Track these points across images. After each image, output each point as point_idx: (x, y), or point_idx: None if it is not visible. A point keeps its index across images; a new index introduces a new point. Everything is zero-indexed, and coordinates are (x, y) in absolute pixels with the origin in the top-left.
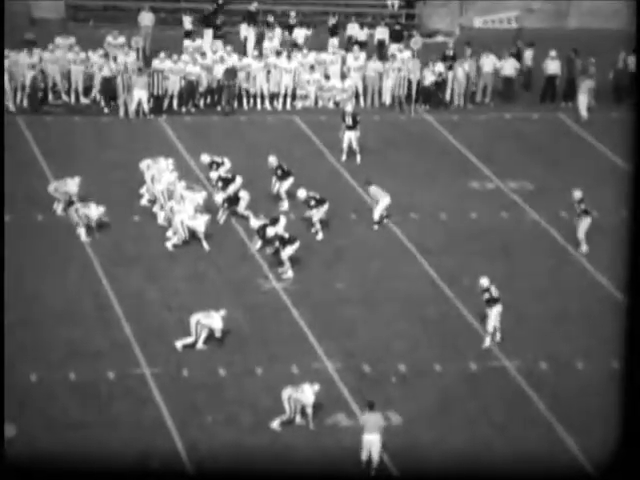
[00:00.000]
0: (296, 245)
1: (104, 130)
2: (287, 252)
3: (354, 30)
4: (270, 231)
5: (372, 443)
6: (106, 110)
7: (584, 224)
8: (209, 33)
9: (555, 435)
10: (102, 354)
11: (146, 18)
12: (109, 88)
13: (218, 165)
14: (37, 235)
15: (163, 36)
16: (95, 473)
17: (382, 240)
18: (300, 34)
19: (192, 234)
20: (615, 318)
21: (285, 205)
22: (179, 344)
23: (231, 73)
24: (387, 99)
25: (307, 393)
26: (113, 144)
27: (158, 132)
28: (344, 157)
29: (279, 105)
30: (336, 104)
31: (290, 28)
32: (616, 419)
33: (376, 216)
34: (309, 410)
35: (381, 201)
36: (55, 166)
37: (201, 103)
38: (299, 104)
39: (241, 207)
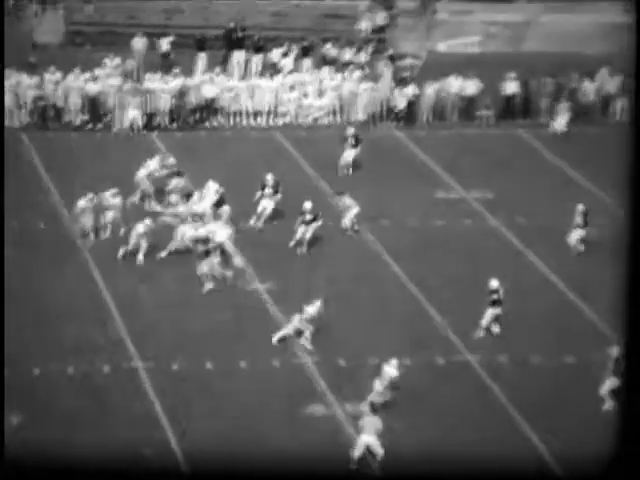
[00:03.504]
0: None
1: (100, 145)
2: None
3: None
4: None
5: (369, 443)
6: (90, 126)
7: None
8: (203, 56)
9: (513, 424)
10: (99, 349)
11: (139, 43)
12: (95, 107)
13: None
14: (39, 240)
15: (156, 59)
16: (92, 468)
17: (356, 245)
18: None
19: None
20: (567, 315)
21: (259, 224)
22: (275, 338)
23: (183, 93)
24: (360, 116)
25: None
26: (108, 158)
27: (150, 146)
28: (341, 173)
29: (262, 121)
30: (314, 120)
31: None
32: (565, 411)
33: (347, 223)
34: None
35: (351, 210)
36: (56, 178)
37: (190, 120)
38: (280, 121)
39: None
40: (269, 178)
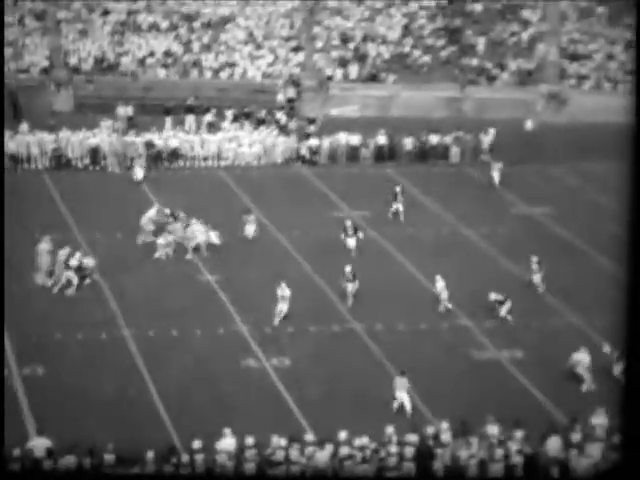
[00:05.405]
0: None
1: (98, 182)
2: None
3: (281, 116)
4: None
5: (402, 398)
6: (91, 168)
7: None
8: (169, 119)
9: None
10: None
11: (121, 110)
12: (94, 155)
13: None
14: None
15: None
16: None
17: (276, 249)
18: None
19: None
20: (412, 290)
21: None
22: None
23: (150, 145)
24: (278, 160)
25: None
26: (106, 191)
27: (133, 182)
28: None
29: (210, 164)
30: (247, 163)
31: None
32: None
33: (249, 233)
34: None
35: (252, 225)
36: (69, 205)
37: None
38: (222, 163)
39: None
40: (349, 224)
